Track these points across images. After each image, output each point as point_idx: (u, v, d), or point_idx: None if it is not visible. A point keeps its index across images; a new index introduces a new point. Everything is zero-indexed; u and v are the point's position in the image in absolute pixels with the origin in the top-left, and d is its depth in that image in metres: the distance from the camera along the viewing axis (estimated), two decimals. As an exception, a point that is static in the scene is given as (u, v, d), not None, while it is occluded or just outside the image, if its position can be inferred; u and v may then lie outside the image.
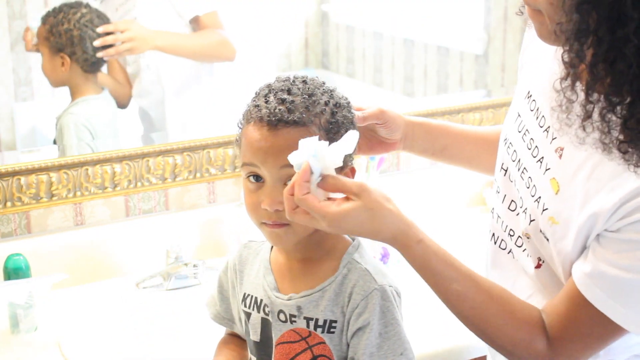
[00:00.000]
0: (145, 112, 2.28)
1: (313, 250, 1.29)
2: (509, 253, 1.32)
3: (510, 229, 1.30)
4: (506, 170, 1.31)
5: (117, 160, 2.04)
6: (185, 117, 2.27)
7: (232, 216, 2.07)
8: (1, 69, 2.14)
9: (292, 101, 1.21)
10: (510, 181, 1.30)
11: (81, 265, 1.98)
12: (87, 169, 2.01)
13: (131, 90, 2.23)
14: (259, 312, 1.31)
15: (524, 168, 1.26)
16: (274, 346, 1.29)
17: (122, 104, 2.23)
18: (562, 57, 1.08)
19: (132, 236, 2.05)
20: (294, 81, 1.25)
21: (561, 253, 1.20)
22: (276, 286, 1.30)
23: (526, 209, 1.25)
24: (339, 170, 1.21)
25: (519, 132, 1.29)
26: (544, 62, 1.27)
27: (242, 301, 1.35)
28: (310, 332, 1.26)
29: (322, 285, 1.26)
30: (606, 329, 1.17)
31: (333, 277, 1.26)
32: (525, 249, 1.27)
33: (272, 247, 1.34)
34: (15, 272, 1.81)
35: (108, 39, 2.08)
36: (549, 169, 1.21)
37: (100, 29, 2.07)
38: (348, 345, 1.25)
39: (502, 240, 1.33)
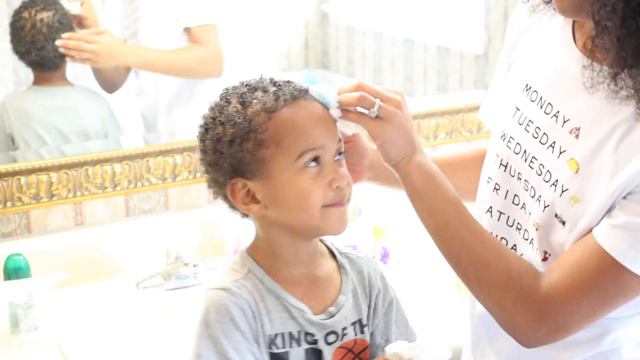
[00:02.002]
0: (142, 113, 2.28)
1: (319, 256, 1.26)
2: (511, 250, 1.32)
3: (518, 223, 1.30)
4: (506, 166, 1.30)
5: (117, 160, 2.04)
6: (178, 120, 2.27)
7: (232, 216, 2.07)
8: (1, 69, 2.14)
9: (288, 80, 1.20)
10: (512, 175, 1.29)
11: (81, 265, 1.98)
12: (87, 169, 2.01)
13: (123, 79, 2.23)
14: (299, 345, 1.19)
15: (532, 157, 1.26)
16: None
17: (107, 89, 2.22)
18: (593, 16, 1.10)
19: (132, 236, 2.05)
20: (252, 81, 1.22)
21: (578, 232, 1.19)
22: (310, 310, 1.20)
23: (540, 196, 1.24)
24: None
25: (520, 124, 1.28)
26: (540, 54, 1.28)
27: (270, 345, 1.17)
28: (355, 341, 1.23)
29: (346, 286, 1.24)
30: (614, 285, 1.15)
31: (346, 274, 1.25)
32: (532, 242, 1.27)
33: (261, 279, 1.19)
34: (15, 272, 1.81)
35: (70, 44, 2.05)
36: (564, 151, 1.21)
37: (66, 35, 2.05)
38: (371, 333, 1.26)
39: (503, 238, 1.33)
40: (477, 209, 1.38)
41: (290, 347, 1.18)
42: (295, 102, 1.16)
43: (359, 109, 1.18)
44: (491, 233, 1.34)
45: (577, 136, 1.20)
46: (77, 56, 2.07)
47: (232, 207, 1.22)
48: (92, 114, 2.17)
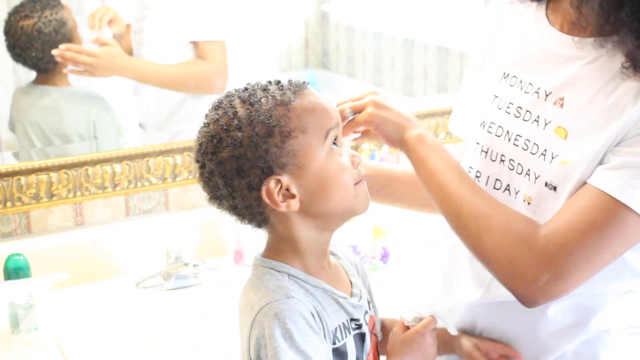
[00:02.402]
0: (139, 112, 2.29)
1: None
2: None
3: None
4: (487, 152, 1.32)
5: (117, 160, 2.04)
6: (177, 120, 2.27)
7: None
8: (1, 69, 2.14)
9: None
10: (492, 160, 1.32)
11: (81, 265, 1.98)
12: (87, 169, 2.01)
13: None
14: (350, 333, 1.22)
15: (516, 135, 1.28)
16: (365, 354, 1.24)
17: None
18: None
19: (132, 236, 2.05)
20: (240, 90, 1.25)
21: (571, 192, 1.20)
22: (346, 295, 1.23)
23: (529, 169, 1.26)
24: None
25: (500, 109, 1.32)
26: (516, 43, 1.33)
27: (333, 339, 1.19)
28: (372, 317, 1.29)
29: (348, 269, 1.30)
30: (613, 223, 1.14)
31: (340, 258, 1.31)
32: None
33: (304, 280, 1.20)
34: (15, 272, 1.81)
35: (67, 55, 2.07)
36: (549, 122, 1.24)
37: (63, 46, 2.08)
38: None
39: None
40: None
41: (345, 337, 1.20)
42: (302, 92, 1.18)
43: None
44: None
45: (561, 105, 1.23)
46: (72, 67, 2.09)
47: (251, 217, 1.21)
48: (77, 117, 2.16)
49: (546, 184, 1.23)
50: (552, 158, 1.22)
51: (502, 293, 1.25)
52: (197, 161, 1.19)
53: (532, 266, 1.16)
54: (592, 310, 1.25)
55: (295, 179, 1.16)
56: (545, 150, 1.24)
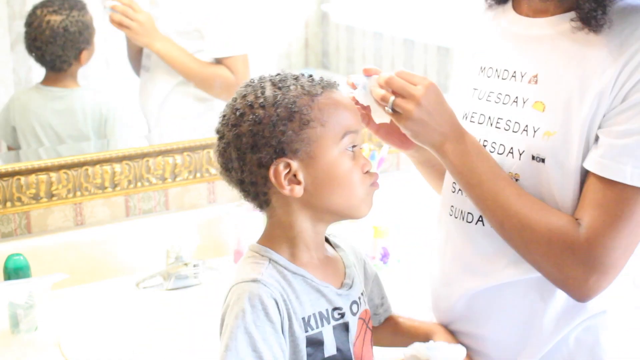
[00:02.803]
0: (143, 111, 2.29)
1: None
2: (477, 223, 1.34)
3: None
4: None
5: (117, 160, 2.04)
6: (165, 124, 2.29)
7: (232, 216, 2.07)
8: (1, 69, 2.14)
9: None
10: None
11: (81, 265, 1.98)
12: (87, 169, 2.01)
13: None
14: (329, 322, 1.24)
15: (497, 119, 1.33)
16: (352, 345, 1.27)
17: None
18: None
19: (132, 236, 2.05)
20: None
21: (562, 164, 1.24)
22: (333, 286, 1.26)
23: (512, 148, 1.30)
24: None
25: (480, 99, 1.37)
26: (489, 40, 1.41)
27: (305, 327, 1.21)
28: (366, 311, 1.30)
29: (348, 261, 1.31)
30: (635, 206, 1.19)
31: (342, 250, 1.33)
32: None
33: (284, 266, 1.23)
34: (15, 272, 1.81)
35: (119, 7, 2.12)
36: (527, 99, 1.29)
37: (111, 4, 2.11)
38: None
39: (469, 213, 1.36)
40: (444, 190, 1.44)
41: (322, 326, 1.22)
42: (331, 90, 1.23)
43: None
44: (451, 208, 1.40)
45: (536, 82, 1.29)
46: (121, 20, 2.12)
47: (255, 195, 1.24)
48: (89, 118, 2.18)
49: (533, 157, 1.27)
50: (535, 131, 1.27)
51: (502, 277, 1.30)
52: (218, 132, 1.24)
53: (581, 270, 1.22)
54: None
55: (304, 167, 1.20)
56: (527, 125, 1.28)
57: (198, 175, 2.13)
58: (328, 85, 1.23)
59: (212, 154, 1.27)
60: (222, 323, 1.19)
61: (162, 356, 1.69)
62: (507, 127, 1.31)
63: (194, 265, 1.93)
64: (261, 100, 1.19)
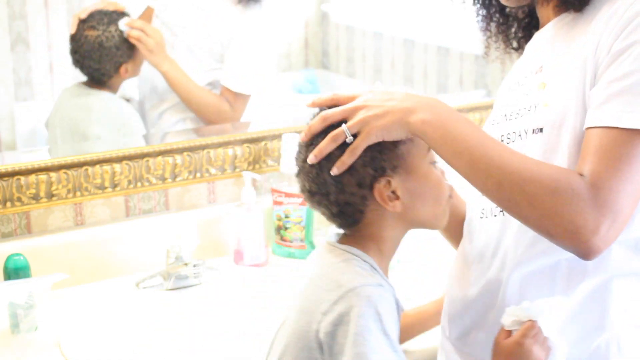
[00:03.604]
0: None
1: None
2: (496, 216, 1.34)
3: None
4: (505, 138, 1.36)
5: (117, 160, 2.04)
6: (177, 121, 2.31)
7: (232, 216, 2.07)
8: (1, 69, 2.15)
9: None
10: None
11: (81, 265, 1.98)
12: (87, 169, 2.01)
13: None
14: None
15: (511, 112, 1.35)
16: None
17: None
18: None
19: (132, 236, 2.05)
20: None
21: (557, 127, 1.25)
22: None
23: (520, 131, 1.31)
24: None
25: (499, 107, 1.41)
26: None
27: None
28: None
29: None
30: (635, 150, 1.17)
31: None
32: None
33: (382, 276, 1.28)
34: (15, 272, 1.81)
35: (133, 33, 2.18)
36: (532, 88, 1.32)
37: (124, 21, 2.18)
38: None
39: (491, 208, 1.34)
40: (471, 196, 1.41)
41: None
42: None
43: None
44: (482, 209, 1.38)
45: (540, 70, 1.32)
46: (139, 36, 2.18)
47: (350, 214, 1.26)
48: (104, 120, 2.23)
49: (533, 131, 1.27)
50: (536, 107, 1.28)
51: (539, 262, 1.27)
52: (303, 159, 1.26)
53: (593, 216, 1.16)
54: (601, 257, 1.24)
55: (401, 182, 1.24)
56: (531, 106, 1.30)
57: (198, 175, 2.14)
58: None
59: (298, 177, 1.29)
60: (331, 321, 1.18)
61: (162, 356, 1.70)
62: (516, 116, 1.33)
63: (194, 265, 1.93)
64: None
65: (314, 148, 1.24)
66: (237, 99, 2.27)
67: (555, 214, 1.17)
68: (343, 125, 1.22)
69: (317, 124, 1.25)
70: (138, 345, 1.73)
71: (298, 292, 1.28)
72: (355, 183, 1.22)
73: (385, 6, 2.78)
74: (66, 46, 2.19)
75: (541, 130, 1.26)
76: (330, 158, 1.22)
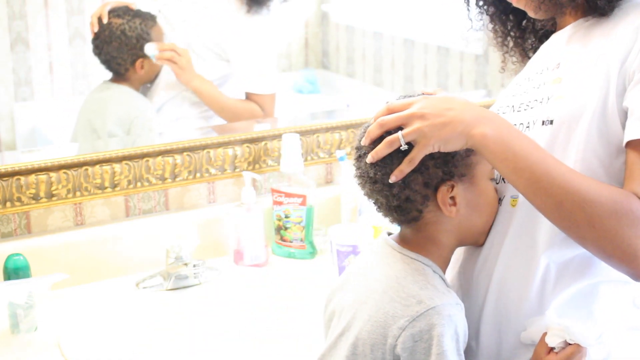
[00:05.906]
0: None
1: None
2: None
3: None
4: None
5: (117, 160, 2.04)
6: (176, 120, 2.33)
7: (232, 216, 2.07)
8: (1, 69, 2.15)
9: None
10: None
11: (81, 265, 1.98)
12: (87, 169, 2.01)
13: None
14: None
15: (520, 104, 1.35)
16: None
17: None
18: None
19: (132, 236, 2.05)
20: None
21: (568, 120, 1.24)
22: None
23: (528, 122, 1.31)
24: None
25: (512, 96, 1.39)
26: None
27: None
28: None
29: None
30: None
31: None
32: None
33: (449, 287, 1.29)
34: (15, 272, 1.81)
35: (165, 55, 2.22)
36: (546, 82, 1.32)
37: (153, 46, 2.22)
38: None
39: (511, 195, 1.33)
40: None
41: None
42: None
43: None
44: (503, 196, 1.36)
45: (558, 66, 1.32)
46: (172, 56, 2.23)
47: (407, 210, 1.26)
48: (115, 114, 2.26)
49: (543, 123, 1.27)
50: (549, 99, 1.28)
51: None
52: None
53: None
54: (591, 263, 1.26)
55: (463, 191, 1.25)
56: (543, 98, 1.29)
57: (198, 175, 2.13)
58: None
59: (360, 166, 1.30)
60: (408, 337, 1.19)
61: (162, 356, 1.70)
62: (526, 107, 1.33)
63: (194, 265, 1.93)
64: None
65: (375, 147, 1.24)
66: (265, 100, 2.32)
67: (615, 235, 1.17)
68: (399, 132, 1.22)
69: (374, 130, 1.24)
70: (138, 345, 1.73)
71: (362, 300, 1.27)
72: (422, 182, 1.23)
73: (385, 6, 2.78)
74: (66, 46, 2.20)
75: (551, 122, 1.26)
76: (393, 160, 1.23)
